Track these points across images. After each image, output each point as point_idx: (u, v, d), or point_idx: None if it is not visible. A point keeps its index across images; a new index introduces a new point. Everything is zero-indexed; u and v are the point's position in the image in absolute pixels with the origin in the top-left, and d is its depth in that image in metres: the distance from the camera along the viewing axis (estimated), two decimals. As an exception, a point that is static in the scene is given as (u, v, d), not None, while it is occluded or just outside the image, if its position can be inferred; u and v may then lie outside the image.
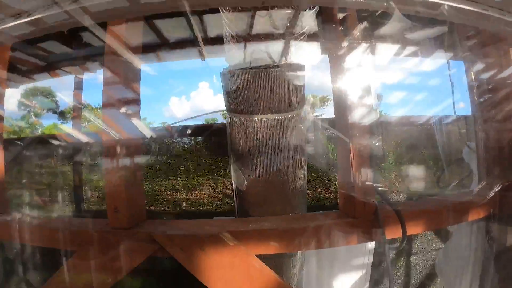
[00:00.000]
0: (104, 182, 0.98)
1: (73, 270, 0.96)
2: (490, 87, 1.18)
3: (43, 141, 1.79)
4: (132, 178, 0.97)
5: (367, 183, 0.92)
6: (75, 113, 1.84)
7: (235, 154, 0.89)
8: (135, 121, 1.03)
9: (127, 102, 1.01)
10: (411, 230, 0.95)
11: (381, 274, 1.49)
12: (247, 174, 0.88)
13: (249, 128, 0.85)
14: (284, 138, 0.86)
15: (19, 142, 1.86)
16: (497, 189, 1.10)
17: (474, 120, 1.25)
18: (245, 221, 0.91)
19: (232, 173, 0.92)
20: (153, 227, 0.90)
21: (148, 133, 1.72)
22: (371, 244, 1.57)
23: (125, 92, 0.99)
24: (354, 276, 1.61)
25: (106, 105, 0.99)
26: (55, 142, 1.73)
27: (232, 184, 0.94)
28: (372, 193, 0.89)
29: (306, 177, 0.92)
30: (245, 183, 0.87)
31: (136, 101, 1.01)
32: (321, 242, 0.84)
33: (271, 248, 0.83)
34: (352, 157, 0.88)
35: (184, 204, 2.25)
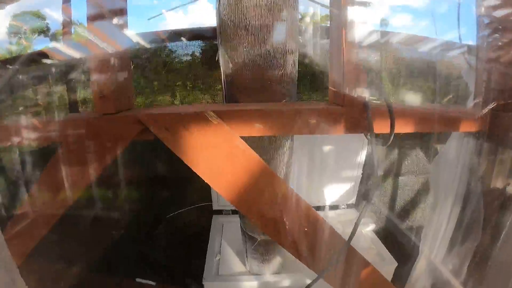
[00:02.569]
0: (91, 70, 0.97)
1: (61, 163, 0.98)
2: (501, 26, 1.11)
3: (34, 61, 1.75)
4: (120, 67, 0.96)
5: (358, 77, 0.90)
6: (65, 29, 1.78)
7: (223, 36, 0.86)
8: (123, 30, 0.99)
9: (114, 12, 0.96)
10: (400, 128, 0.93)
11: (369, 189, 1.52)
12: (235, 57, 0.85)
13: (238, 7, 0.81)
14: (274, 19, 0.81)
15: (9, 66, 1.84)
16: (491, 107, 1.07)
17: (478, 51, 1.19)
18: (232, 105, 0.90)
19: (220, 58, 0.89)
20: (139, 112, 0.89)
21: (139, 41, 1.68)
22: (362, 157, 1.60)
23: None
24: (343, 188, 1.66)
25: (92, 17, 0.94)
26: (47, 61, 1.70)
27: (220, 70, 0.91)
28: (363, 82, 0.87)
29: (297, 65, 0.90)
30: (230, 65, 0.85)
31: (123, 11, 0.96)
32: (306, 126, 0.84)
33: (256, 129, 0.83)
34: (343, 46, 0.85)
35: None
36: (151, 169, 2.12)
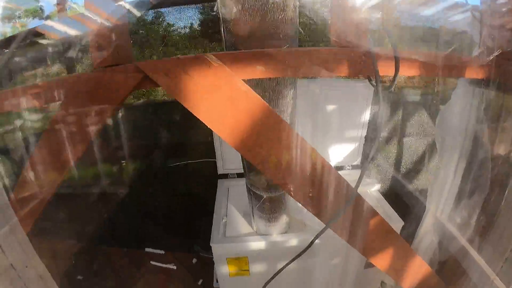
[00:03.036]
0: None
1: (62, 120, 0.97)
2: None
3: (30, 43, 1.73)
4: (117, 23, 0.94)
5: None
6: (59, 6, 1.76)
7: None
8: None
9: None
10: (404, 71, 0.92)
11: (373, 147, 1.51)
12: (234, 3, 0.83)
13: None
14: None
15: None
16: (496, 54, 1.05)
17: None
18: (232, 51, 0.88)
19: (218, 5, 0.87)
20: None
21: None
22: (366, 118, 1.58)
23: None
24: (347, 149, 1.65)
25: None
26: (43, 42, 1.69)
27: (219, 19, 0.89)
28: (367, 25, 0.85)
29: (297, 11, 0.88)
30: (234, 10, 0.83)
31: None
32: (310, 68, 0.82)
33: (258, 72, 0.81)
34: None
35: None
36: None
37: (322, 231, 0.94)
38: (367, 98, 1.60)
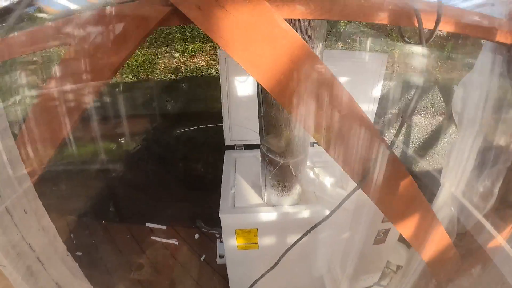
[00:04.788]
0: None
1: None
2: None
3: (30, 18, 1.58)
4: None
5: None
6: None
7: None
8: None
9: None
10: (443, 26, 0.88)
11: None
12: None
13: None
14: None
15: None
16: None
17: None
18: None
19: None
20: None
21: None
22: (377, 91, 1.56)
23: None
24: None
25: None
26: (42, 16, 1.54)
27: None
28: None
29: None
30: None
31: None
32: (349, 11, 0.77)
33: (297, 12, 0.75)
34: None
35: (183, 70, 2.23)
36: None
37: (354, 190, 0.89)
38: (380, 71, 1.57)
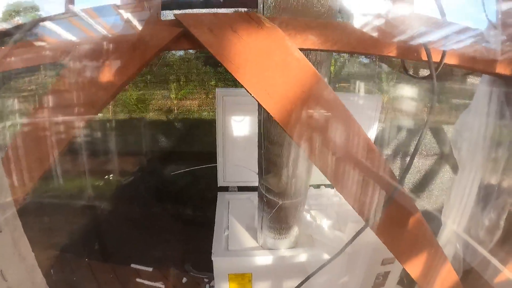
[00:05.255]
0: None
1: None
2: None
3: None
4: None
5: None
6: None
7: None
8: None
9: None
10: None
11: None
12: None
13: None
14: None
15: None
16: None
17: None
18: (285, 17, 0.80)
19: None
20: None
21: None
22: (373, 130, 1.56)
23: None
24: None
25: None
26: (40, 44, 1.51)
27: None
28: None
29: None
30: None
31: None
32: (360, 44, 0.77)
33: (308, 42, 0.74)
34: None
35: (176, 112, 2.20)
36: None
37: (363, 229, 0.85)
38: (375, 111, 1.59)
